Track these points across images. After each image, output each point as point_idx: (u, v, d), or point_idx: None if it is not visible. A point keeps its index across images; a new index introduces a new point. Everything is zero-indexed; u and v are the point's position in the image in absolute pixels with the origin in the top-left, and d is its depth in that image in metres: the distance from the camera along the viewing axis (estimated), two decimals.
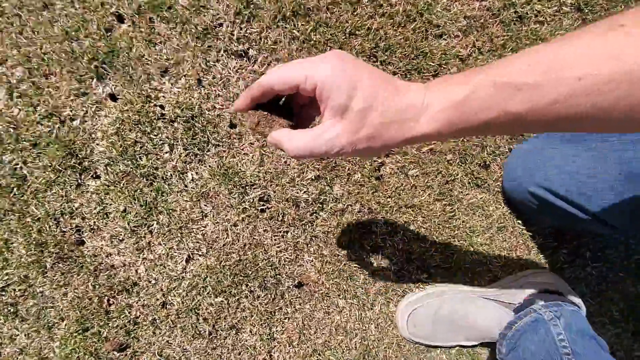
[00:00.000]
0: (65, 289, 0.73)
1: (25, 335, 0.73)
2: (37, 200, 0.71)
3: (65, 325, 0.73)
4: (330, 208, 0.77)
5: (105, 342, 0.73)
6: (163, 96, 0.71)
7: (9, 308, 0.72)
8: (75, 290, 0.73)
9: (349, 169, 0.77)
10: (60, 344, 0.73)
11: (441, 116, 0.33)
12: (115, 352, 0.74)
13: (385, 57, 0.75)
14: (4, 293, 0.72)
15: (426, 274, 0.81)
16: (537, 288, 0.76)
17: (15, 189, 0.70)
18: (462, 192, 0.81)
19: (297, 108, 0.44)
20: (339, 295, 0.79)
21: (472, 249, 0.82)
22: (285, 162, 0.75)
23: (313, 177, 0.76)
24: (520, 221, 0.84)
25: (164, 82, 0.72)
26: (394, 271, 0.80)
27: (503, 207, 0.83)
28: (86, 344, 0.74)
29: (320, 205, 0.77)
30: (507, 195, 0.81)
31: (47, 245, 0.71)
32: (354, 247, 0.79)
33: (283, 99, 0.43)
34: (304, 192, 0.76)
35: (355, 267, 0.79)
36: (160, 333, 0.75)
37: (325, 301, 0.79)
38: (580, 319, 0.67)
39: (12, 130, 0.69)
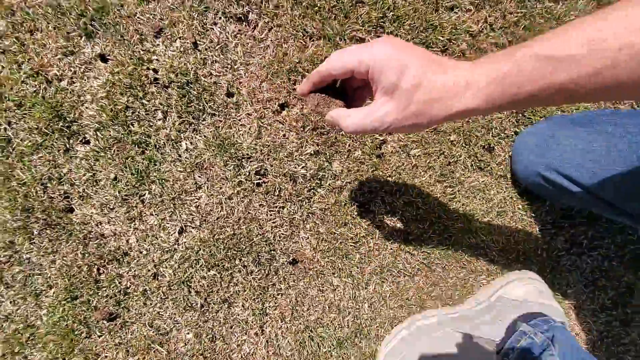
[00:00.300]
0: (53, 256, 0.71)
1: (10, 302, 0.72)
2: (22, 164, 0.68)
3: (54, 293, 0.72)
4: (329, 185, 0.75)
5: (94, 311, 0.72)
6: (157, 59, 0.68)
7: None
8: (64, 258, 0.71)
9: (349, 146, 0.74)
10: (48, 311, 0.72)
11: (486, 91, 0.35)
12: (105, 321, 0.73)
13: (393, 28, 0.71)
14: None
15: (424, 254, 0.80)
16: (516, 311, 0.72)
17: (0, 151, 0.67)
18: (463, 174, 0.79)
19: (351, 91, 0.49)
20: (333, 274, 0.78)
21: (470, 232, 0.81)
22: (284, 135, 0.73)
23: (312, 152, 0.73)
24: (520, 206, 0.83)
25: (158, 44, 0.67)
26: (390, 251, 0.79)
27: (504, 192, 0.82)
28: (75, 312, 0.72)
29: (319, 182, 0.75)
30: (517, 178, 0.79)
31: (34, 211, 0.69)
32: (351, 226, 0.77)
33: (339, 82, 0.48)
34: (302, 167, 0.74)
35: (351, 245, 0.78)
36: (151, 304, 0.74)
37: (319, 279, 0.78)
38: (570, 337, 0.65)
39: None
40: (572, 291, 0.84)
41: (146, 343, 0.75)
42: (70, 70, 0.67)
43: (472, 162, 0.79)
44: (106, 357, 0.75)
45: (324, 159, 0.74)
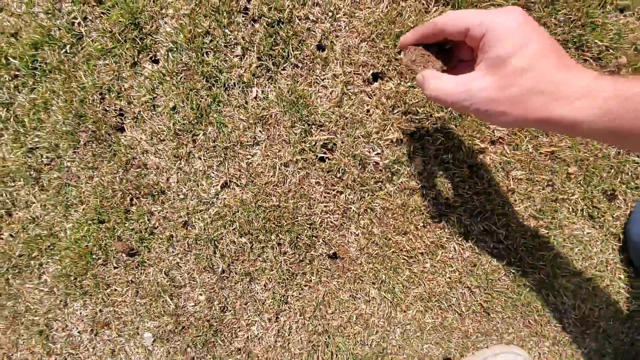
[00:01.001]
0: (93, 172, 0.66)
1: (41, 205, 0.69)
2: (87, 67, 0.62)
3: (83, 209, 0.68)
4: (401, 183, 0.63)
5: (117, 241, 0.67)
6: None
7: (32, 173, 0.67)
8: (102, 178, 0.66)
9: (440, 143, 0.61)
10: (73, 226, 0.68)
11: (601, 104, 0.30)
12: (124, 255, 0.68)
13: (543, 13, 0.56)
14: (30, 155, 0.67)
15: (486, 296, 0.66)
16: None
17: (68, 47, 0.62)
18: (568, 217, 0.63)
19: (456, 62, 0.44)
20: (373, 283, 0.67)
21: (551, 288, 0.65)
22: (368, 111, 0.61)
23: (394, 140, 0.61)
24: (621, 277, 0.66)
25: None
26: (447, 280, 0.66)
27: (609, 253, 0.65)
28: (98, 236, 0.68)
29: (390, 176, 0.63)
30: (629, 244, 0.62)
31: (86, 120, 0.64)
32: (411, 237, 0.65)
33: (449, 46, 0.44)
34: (377, 153, 0.62)
35: (403, 259, 0.66)
36: (173, 252, 0.68)
37: (355, 284, 0.67)
38: None
39: None
40: None
41: (157, 290, 0.69)
42: None
43: (585, 207, 0.63)
44: (116, 290, 0.70)
45: (405, 152, 0.62)
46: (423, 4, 0.57)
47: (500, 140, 0.61)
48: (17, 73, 0.64)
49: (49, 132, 0.65)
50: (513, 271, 0.65)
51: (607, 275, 0.65)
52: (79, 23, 0.61)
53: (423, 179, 0.63)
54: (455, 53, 0.44)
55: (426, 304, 0.67)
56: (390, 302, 0.67)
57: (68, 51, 0.62)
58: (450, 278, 0.66)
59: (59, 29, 0.62)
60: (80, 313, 0.72)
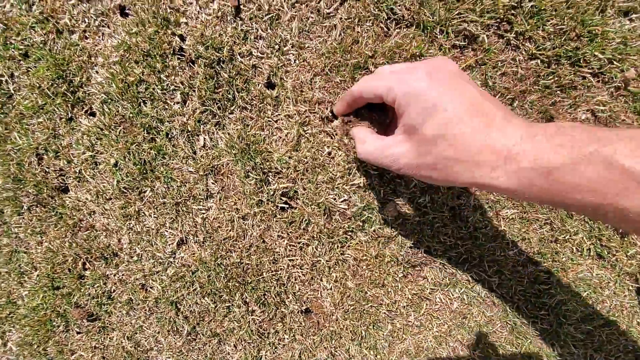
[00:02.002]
0: (41, 237, 0.62)
1: None
2: (20, 126, 0.57)
3: (37, 276, 0.63)
4: (374, 231, 0.55)
5: (74, 308, 0.63)
6: (186, 23, 0.51)
7: None
8: (51, 242, 0.61)
9: (415, 186, 0.53)
10: (29, 293, 0.64)
11: (525, 176, 0.28)
12: (85, 320, 0.64)
13: (527, 27, 0.46)
14: None
15: (480, 352, 0.58)
16: None
17: None
18: (573, 259, 0.54)
19: (392, 116, 0.42)
20: (352, 340, 0.60)
21: (557, 338, 0.57)
22: (329, 153, 0.53)
23: (361, 185, 0.54)
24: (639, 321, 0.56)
25: (191, 2, 0.50)
26: (435, 334, 0.58)
27: (624, 296, 0.56)
28: (55, 303, 0.64)
29: (361, 224, 0.55)
30: None
31: (26, 183, 0.59)
32: (390, 290, 0.57)
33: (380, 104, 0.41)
34: (344, 200, 0.54)
35: (384, 313, 0.59)
36: (135, 315, 0.63)
37: (333, 341, 0.61)
38: None
39: (0, 31, 0.54)
40: None
41: (123, 354, 0.64)
42: (84, 22, 0.53)
43: (592, 246, 0.54)
44: (81, 356, 0.66)
45: (376, 197, 0.54)
46: (382, 28, 0.49)
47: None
48: None
49: None
50: (510, 322, 0.57)
51: (623, 321, 0.56)
52: (7, 80, 0.56)
53: (398, 226, 0.55)
54: (388, 110, 0.42)
55: None
56: (374, 359, 0.60)
57: None
58: (438, 333, 0.58)
59: None
60: None
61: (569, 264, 0.54)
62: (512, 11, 0.46)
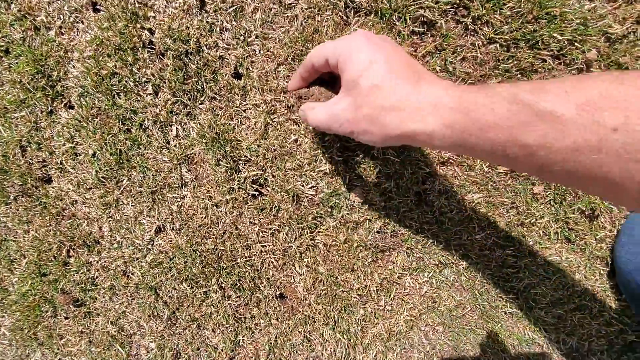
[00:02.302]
0: (28, 226, 0.64)
1: None
2: (5, 120, 0.60)
3: (25, 263, 0.66)
4: (342, 217, 0.56)
5: (61, 294, 0.66)
6: (153, 16, 0.53)
7: None
8: (37, 231, 0.64)
9: (380, 172, 0.54)
10: (19, 279, 0.67)
11: (448, 117, 0.30)
12: (71, 306, 0.67)
13: (484, 11, 0.47)
14: None
15: (450, 335, 0.59)
16: None
17: None
18: (540, 243, 0.54)
19: (338, 89, 0.41)
20: (326, 324, 0.62)
21: (528, 322, 0.57)
22: (296, 140, 0.55)
23: (328, 171, 0.55)
24: (612, 305, 0.56)
25: None
26: (405, 318, 0.59)
27: (595, 279, 0.56)
28: (43, 289, 0.67)
29: (329, 210, 0.56)
30: (618, 270, 0.53)
31: (12, 174, 0.62)
32: (360, 274, 0.59)
33: (329, 77, 0.44)
34: (312, 186, 0.56)
35: (355, 298, 0.60)
36: (117, 301, 0.65)
37: (307, 325, 0.62)
38: None
39: None
40: None
41: (108, 339, 0.67)
42: (60, 18, 0.55)
43: (559, 229, 0.54)
44: (69, 340, 0.69)
45: (342, 183, 0.55)
46: (341, 16, 0.50)
47: (450, 161, 0.53)
48: None
49: None
50: (479, 306, 0.57)
51: (594, 305, 0.56)
52: None
53: (365, 211, 0.56)
54: (337, 82, 0.42)
55: (386, 345, 0.61)
56: (347, 343, 0.62)
57: None
58: (409, 317, 0.59)
59: None
60: None
61: (537, 248, 0.55)
62: None
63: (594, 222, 0.53)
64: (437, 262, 0.56)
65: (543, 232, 0.54)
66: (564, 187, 0.51)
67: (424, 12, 0.47)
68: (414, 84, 0.31)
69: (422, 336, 0.60)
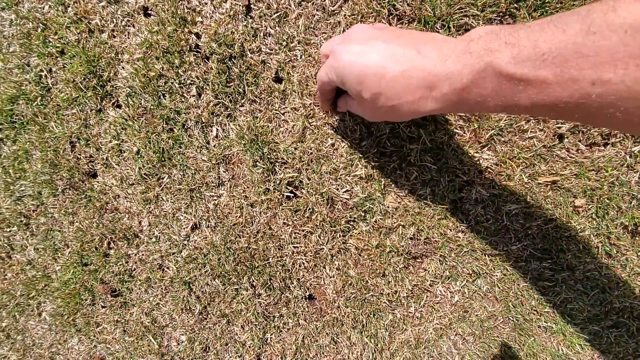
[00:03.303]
0: (72, 217, 0.68)
1: (34, 249, 0.72)
2: (57, 117, 0.64)
3: (69, 253, 0.70)
4: (375, 221, 0.57)
5: (99, 284, 0.69)
6: (201, 21, 0.55)
7: (23, 219, 0.71)
8: (81, 223, 0.67)
9: (416, 178, 0.54)
10: (62, 268, 0.71)
11: (447, 98, 0.33)
12: (109, 296, 0.70)
13: (530, 19, 0.46)
14: (19, 203, 0.70)
15: (481, 345, 0.58)
16: None
17: (39, 99, 0.64)
18: (580, 257, 0.53)
19: None
20: (354, 328, 0.62)
21: (561, 337, 0.56)
22: (333, 144, 0.55)
23: (363, 176, 0.55)
24: None
25: (206, 2, 0.54)
26: (435, 327, 0.59)
27: (634, 296, 0.54)
28: (83, 278, 0.70)
29: (363, 214, 0.57)
30: None
31: (61, 168, 0.65)
32: (391, 280, 0.59)
33: None
34: (346, 190, 0.56)
35: (385, 303, 0.60)
36: (152, 293, 0.68)
37: (335, 327, 0.63)
38: None
39: (40, 30, 0.60)
40: None
41: (141, 329, 0.70)
42: (112, 22, 0.58)
43: (600, 244, 0.52)
44: (105, 328, 0.72)
45: (377, 188, 0.55)
46: (385, 23, 0.50)
47: (488, 170, 0.53)
48: (0, 127, 0.67)
49: (32, 180, 0.68)
50: (512, 318, 0.56)
51: (632, 323, 0.54)
52: (46, 75, 0.62)
53: (399, 217, 0.56)
54: None
55: (414, 352, 0.61)
56: (374, 348, 0.62)
57: (39, 103, 0.64)
58: (439, 324, 0.59)
59: (29, 83, 0.63)
60: (78, 348, 0.76)
61: (575, 263, 0.53)
62: (515, 5, 0.46)
63: (637, 238, 0.52)
64: (470, 272, 0.56)
65: (583, 246, 0.53)
66: (607, 201, 0.50)
67: (469, 20, 0.47)
68: (405, 75, 0.34)
69: (451, 345, 0.59)
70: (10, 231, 0.73)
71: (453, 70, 0.31)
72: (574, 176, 0.50)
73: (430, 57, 0.33)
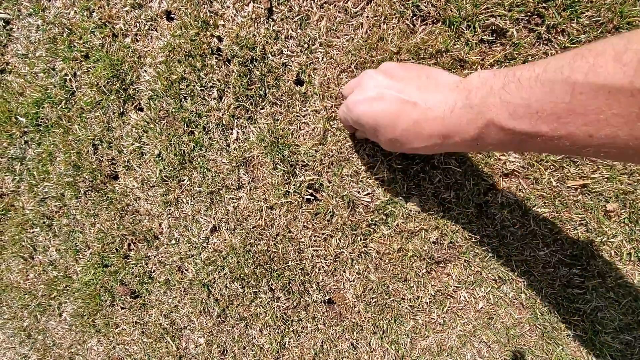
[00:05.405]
0: (94, 219, 0.69)
1: (56, 250, 0.73)
2: (81, 120, 0.65)
3: (90, 254, 0.71)
4: (397, 225, 0.56)
5: (120, 285, 0.70)
6: (223, 25, 0.55)
7: (45, 220, 0.72)
8: (102, 224, 0.68)
9: (438, 181, 0.53)
10: (82, 269, 0.72)
11: (458, 145, 0.35)
12: (128, 297, 0.70)
13: (560, 20, 0.45)
14: (42, 204, 0.71)
15: (506, 354, 0.57)
16: None
17: (63, 102, 0.65)
18: (611, 263, 0.51)
19: None
20: (374, 333, 0.61)
21: (590, 349, 0.54)
22: (354, 147, 0.55)
23: (385, 179, 0.54)
24: None
25: (228, 6, 0.55)
26: (459, 333, 0.58)
27: None
28: (104, 279, 0.71)
29: (384, 218, 0.56)
30: None
31: (83, 170, 0.66)
32: (413, 285, 0.58)
33: None
34: (368, 193, 0.56)
35: (406, 308, 0.59)
36: (171, 295, 0.68)
37: (355, 333, 0.62)
38: None
39: (66, 35, 0.62)
40: None
41: (160, 331, 0.70)
42: (136, 26, 0.59)
43: (633, 250, 0.50)
44: (124, 329, 0.73)
45: (399, 191, 0.55)
46: (408, 24, 0.50)
47: (514, 173, 0.51)
48: (25, 129, 0.69)
49: (55, 182, 0.69)
50: (540, 326, 0.55)
51: None
52: (70, 79, 0.64)
53: (422, 221, 0.55)
54: None
55: (436, 358, 0.60)
56: (395, 355, 0.61)
57: (64, 107, 0.65)
58: (462, 331, 0.57)
59: (54, 87, 0.65)
60: (97, 349, 0.76)
61: (607, 269, 0.51)
62: (544, 4, 0.45)
63: None
64: (495, 277, 0.54)
65: (615, 252, 0.51)
66: None
67: (495, 20, 0.46)
68: (418, 122, 0.36)
69: (475, 353, 0.58)
70: (33, 232, 0.74)
71: (459, 123, 0.33)
72: (605, 180, 0.49)
73: (439, 108, 0.35)
